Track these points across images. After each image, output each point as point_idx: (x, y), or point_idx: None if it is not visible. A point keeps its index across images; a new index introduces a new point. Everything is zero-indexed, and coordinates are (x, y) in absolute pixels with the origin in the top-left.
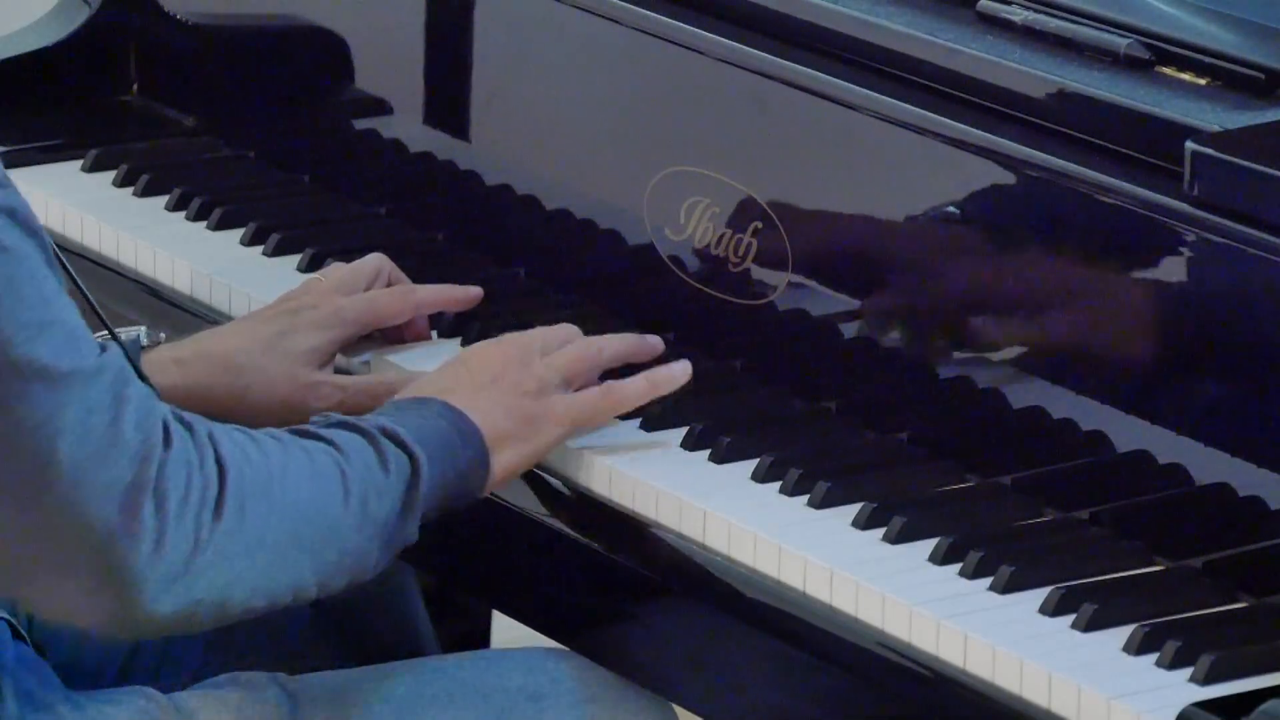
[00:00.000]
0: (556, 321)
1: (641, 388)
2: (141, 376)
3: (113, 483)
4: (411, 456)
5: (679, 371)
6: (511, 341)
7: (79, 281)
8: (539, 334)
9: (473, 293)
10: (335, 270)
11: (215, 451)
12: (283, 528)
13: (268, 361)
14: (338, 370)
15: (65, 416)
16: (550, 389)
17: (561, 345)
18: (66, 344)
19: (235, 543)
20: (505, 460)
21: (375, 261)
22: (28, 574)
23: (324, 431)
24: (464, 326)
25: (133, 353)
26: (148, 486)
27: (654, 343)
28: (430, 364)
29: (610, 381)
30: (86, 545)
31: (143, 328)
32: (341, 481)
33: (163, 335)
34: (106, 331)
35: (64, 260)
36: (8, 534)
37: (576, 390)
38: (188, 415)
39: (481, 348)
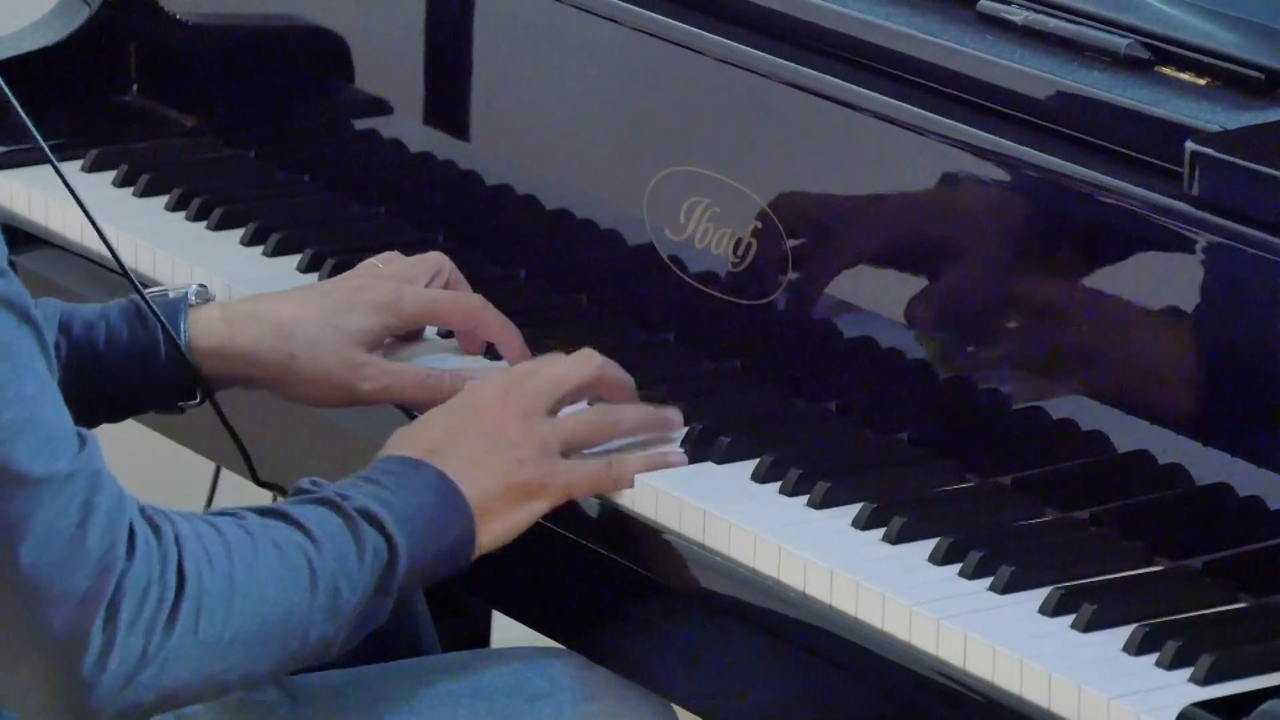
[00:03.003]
0: (557, 321)
1: (642, 466)
2: (171, 335)
3: (68, 593)
4: (390, 543)
5: (675, 460)
6: (521, 392)
7: (111, 244)
8: (552, 382)
9: (524, 354)
10: (396, 258)
11: (179, 558)
12: (242, 630)
13: (319, 334)
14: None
15: (31, 522)
16: (552, 452)
17: (577, 392)
18: (43, 447)
19: (186, 653)
20: (492, 532)
21: (437, 259)
22: None
23: (301, 515)
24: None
25: (180, 310)
26: (102, 599)
27: (673, 418)
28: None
29: (613, 456)
30: (35, 647)
31: (194, 285)
32: (310, 577)
33: (214, 294)
34: (137, 290)
35: (100, 228)
36: None
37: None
38: (157, 515)
39: (488, 393)
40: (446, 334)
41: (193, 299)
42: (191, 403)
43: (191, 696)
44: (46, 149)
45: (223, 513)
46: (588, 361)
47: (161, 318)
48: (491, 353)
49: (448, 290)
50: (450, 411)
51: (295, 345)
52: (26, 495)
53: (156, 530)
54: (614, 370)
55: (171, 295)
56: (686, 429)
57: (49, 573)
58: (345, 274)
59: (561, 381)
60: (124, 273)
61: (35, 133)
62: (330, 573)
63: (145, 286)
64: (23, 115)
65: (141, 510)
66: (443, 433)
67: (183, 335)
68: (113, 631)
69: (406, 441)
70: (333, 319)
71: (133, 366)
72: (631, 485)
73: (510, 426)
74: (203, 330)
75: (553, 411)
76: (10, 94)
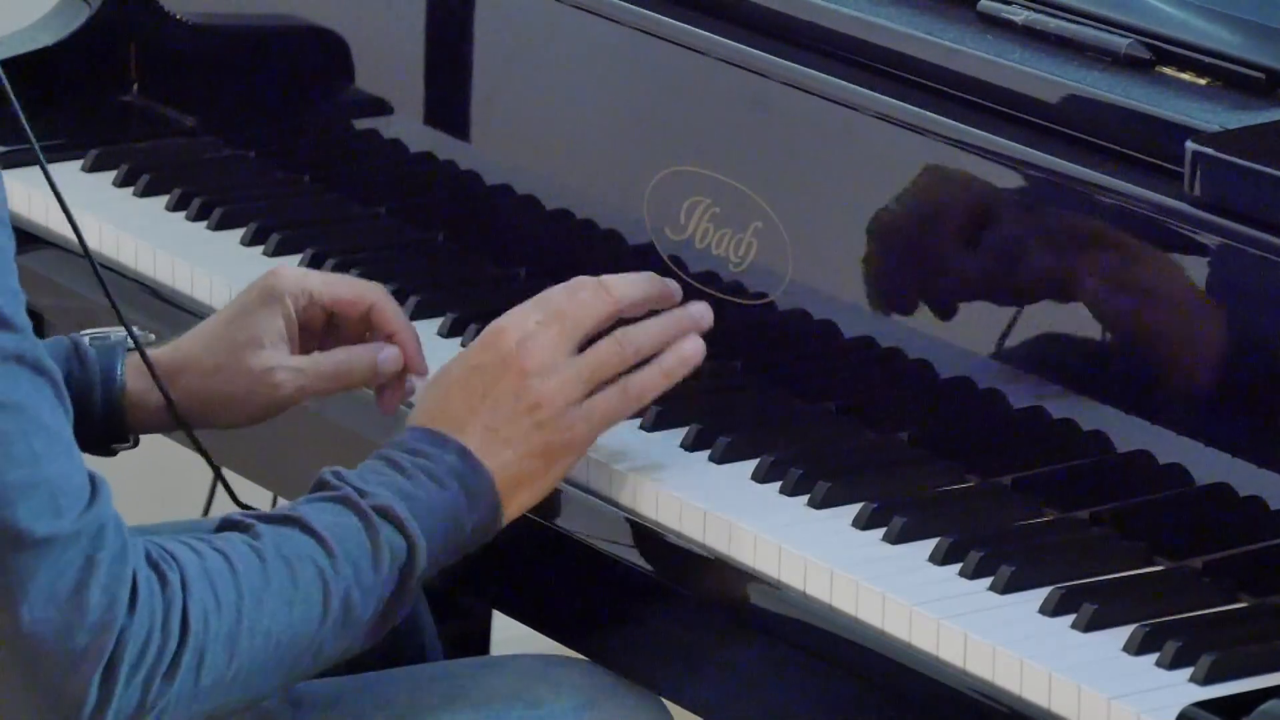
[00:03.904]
0: None
1: (658, 381)
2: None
3: (67, 651)
4: (409, 541)
5: (690, 351)
6: (538, 346)
7: (104, 283)
8: (568, 334)
9: (421, 362)
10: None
11: (183, 605)
12: (248, 664)
13: (221, 361)
14: None
15: (33, 583)
16: (574, 402)
17: (594, 327)
18: (48, 507)
19: (186, 698)
20: (518, 504)
21: (367, 286)
22: None
23: (317, 521)
24: (463, 328)
25: (118, 354)
26: (101, 656)
27: (699, 314)
28: None
29: (626, 380)
30: (34, 701)
31: (135, 329)
32: (323, 596)
33: (152, 336)
34: (122, 323)
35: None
36: None
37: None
38: (163, 561)
39: (502, 361)
40: (451, 330)
41: (130, 344)
42: (124, 445)
43: None
44: (35, 144)
45: (235, 524)
46: (602, 298)
47: (145, 353)
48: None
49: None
50: (470, 370)
51: (207, 380)
52: (28, 555)
53: (162, 578)
54: (634, 291)
55: (113, 338)
56: (686, 429)
57: (48, 633)
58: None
59: (578, 326)
60: (101, 284)
61: (27, 127)
62: (344, 589)
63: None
64: (18, 110)
65: (148, 554)
66: (463, 399)
67: (119, 378)
68: (111, 685)
69: (431, 407)
70: (228, 336)
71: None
72: (651, 396)
73: (529, 386)
74: (135, 374)
75: (574, 351)
76: (9, 89)
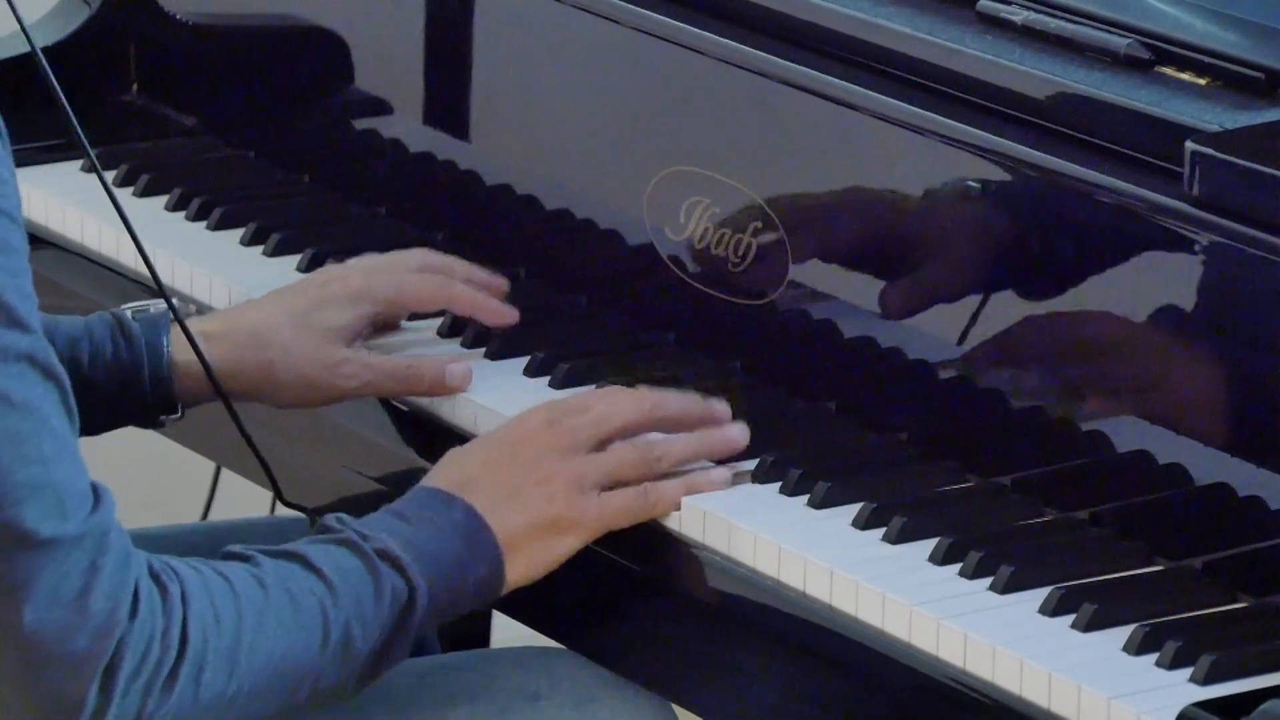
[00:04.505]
0: (557, 321)
1: (680, 494)
2: (155, 352)
3: (67, 655)
4: (410, 585)
5: (718, 477)
6: (563, 428)
7: (137, 237)
8: (597, 421)
9: (507, 314)
10: (370, 255)
11: (183, 618)
12: (245, 685)
13: (293, 336)
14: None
15: (36, 583)
16: (589, 490)
17: (623, 431)
18: (54, 509)
19: (185, 712)
20: (520, 568)
21: (419, 253)
22: None
23: (319, 559)
24: (463, 328)
25: (162, 326)
26: (101, 661)
27: (737, 437)
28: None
29: (648, 485)
30: (32, 703)
31: (175, 300)
32: (323, 627)
33: (192, 308)
34: (167, 301)
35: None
36: None
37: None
38: (165, 573)
39: (532, 425)
40: (449, 331)
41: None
42: (173, 416)
43: None
44: (93, 158)
45: (238, 555)
46: (638, 403)
47: (187, 328)
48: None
49: (420, 274)
50: (491, 442)
51: (272, 352)
52: (34, 556)
53: (163, 590)
54: (673, 405)
55: (153, 310)
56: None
57: (50, 634)
58: (316, 271)
59: (607, 421)
60: (155, 281)
61: (83, 140)
62: (344, 621)
63: (149, 298)
64: (70, 117)
65: (150, 566)
66: (479, 465)
67: (165, 351)
68: (109, 693)
69: (444, 472)
70: (305, 318)
71: (115, 382)
72: (671, 511)
73: (546, 461)
74: (183, 345)
75: (599, 447)
76: (60, 94)
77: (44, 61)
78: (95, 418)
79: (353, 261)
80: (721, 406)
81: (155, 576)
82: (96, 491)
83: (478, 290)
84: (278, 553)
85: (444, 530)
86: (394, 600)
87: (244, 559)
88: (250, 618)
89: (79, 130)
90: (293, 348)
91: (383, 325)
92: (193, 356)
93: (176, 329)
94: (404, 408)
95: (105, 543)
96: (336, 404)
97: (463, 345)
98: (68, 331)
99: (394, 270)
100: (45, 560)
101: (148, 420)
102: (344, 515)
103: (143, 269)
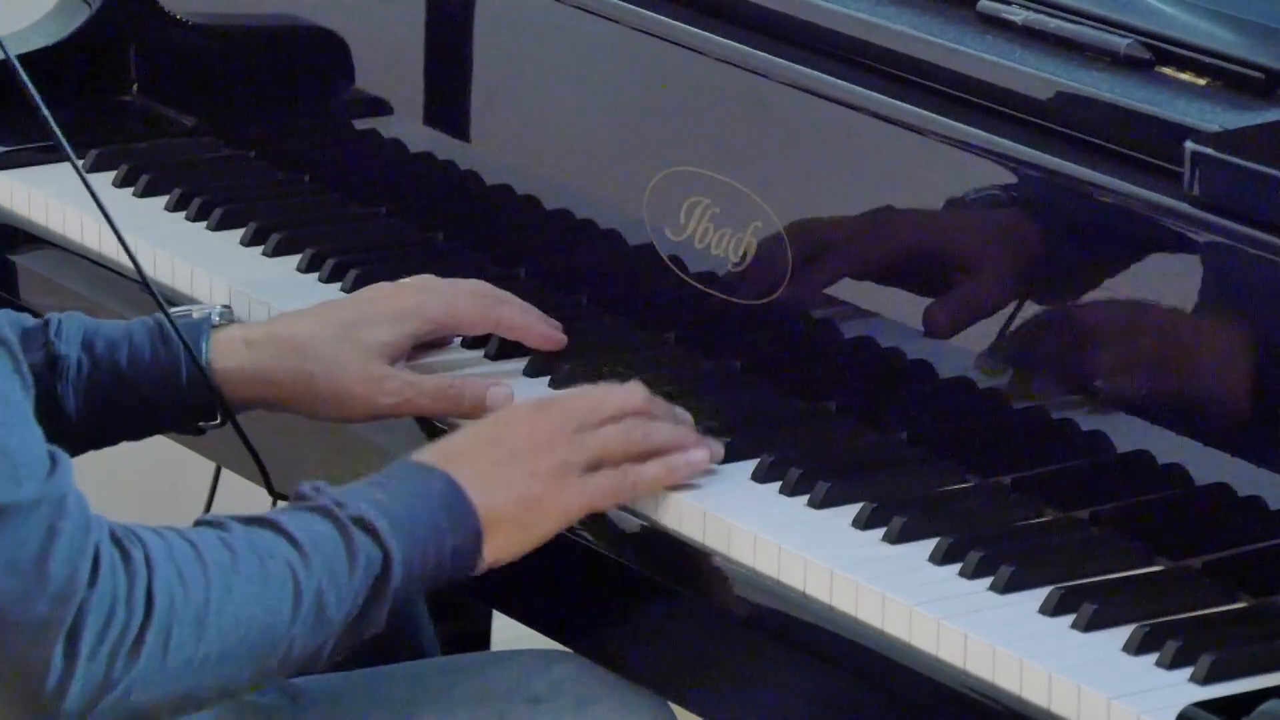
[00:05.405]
0: (558, 321)
1: (660, 477)
2: (193, 357)
3: (27, 620)
4: (385, 552)
5: (698, 459)
6: (552, 412)
7: (140, 265)
8: (586, 407)
9: (555, 336)
10: (425, 276)
11: (148, 581)
12: (215, 649)
13: (337, 350)
14: None
15: None
16: (572, 471)
17: (613, 419)
18: (7, 475)
19: (153, 676)
20: (500, 544)
21: (473, 283)
22: None
23: (290, 524)
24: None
25: (203, 331)
26: (62, 626)
27: (714, 451)
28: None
29: (628, 466)
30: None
31: (218, 306)
32: (294, 592)
33: (237, 314)
34: (163, 311)
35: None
36: None
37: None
38: (127, 539)
39: (521, 410)
40: (471, 344)
41: (216, 320)
42: (212, 423)
43: (166, 713)
44: (75, 162)
45: (208, 522)
46: (630, 394)
47: (197, 337)
48: (514, 352)
49: (468, 294)
50: (480, 425)
51: (314, 364)
52: None
53: (125, 554)
54: (660, 407)
55: (195, 315)
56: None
57: (8, 600)
58: (367, 287)
59: (597, 408)
60: (154, 296)
61: (61, 138)
62: (316, 586)
63: (171, 304)
64: (50, 121)
65: (112, 532)
66: (465, 441)
67: (204, 356)
68: (73, 658)
69: (429, 448)
70: (351, 333)
71: (154, 387)
72: (652, 493)
73: (532, 442)
74: (224, 351)
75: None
76: (40, 102)
77: (11, 57)
78: (134, 421)
79: (405, 280)
80: (714, 443)
81: (117, 541)
82: (53, 457)
83: (524, 317)
84: (249, 519)
85: (422, 499)
86: (368, 567)
87: (215, 525)
88: (217, 581)
89: (50, 118)
90: (336, 361)
91: (429, 345)
92: (232, 363)
93: (216, 335)
94: (442, 426)
95: (63, 507)
96: (375, 420)
97: (463, 345)
98: (109, 334)
99: (445, 291)
100: (1, 526)
101: (188, 426)
102: (320, 483)
103: (144, 269)
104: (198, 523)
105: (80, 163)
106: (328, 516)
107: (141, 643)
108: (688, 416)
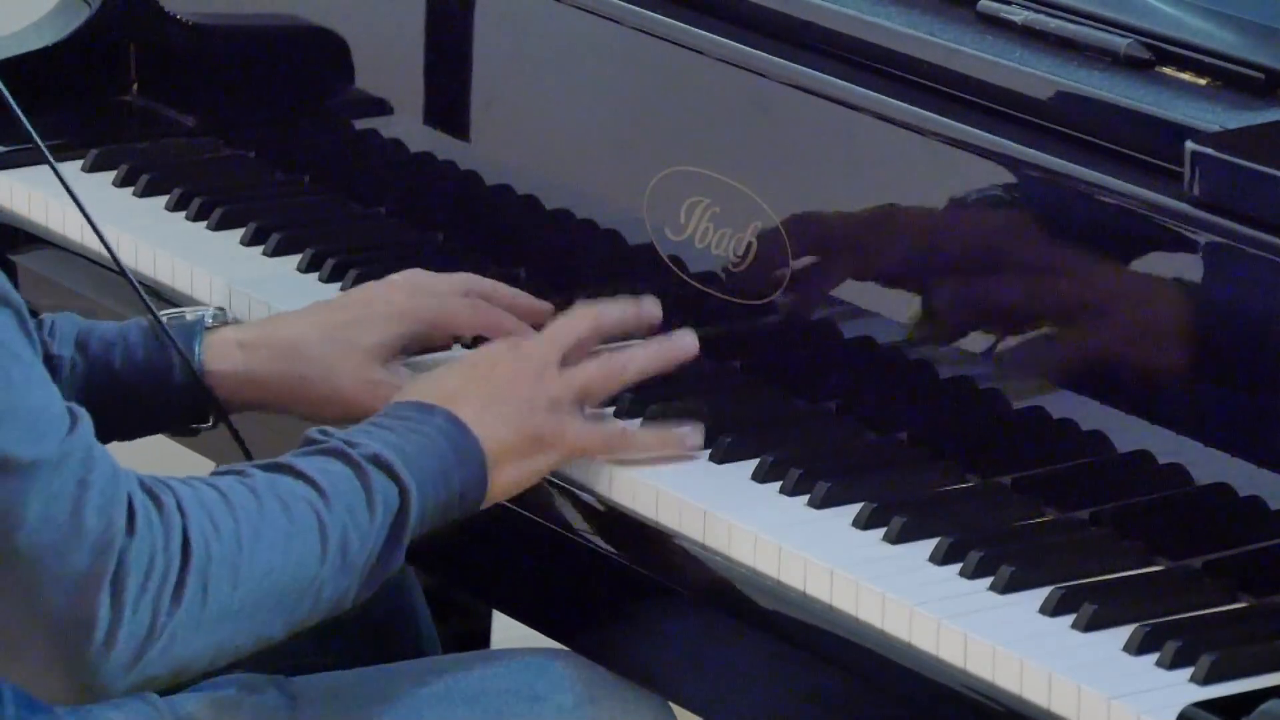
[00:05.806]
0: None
1: (655, 439)
2: (185, 359)
3: (68, 574)
4: (402, 489)
5: (687, 435)
6: (528, 355)
7: (128, 274)
8: (557, 340)
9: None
10: (415, 272)
11: (183, 528)
12: (251, 596)
13: (331, 352)
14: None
15: (26, 509)
16: (564, 406)
17: (579, 345)
18: (28, 432)
19: (195, 624)
20: (505, 478)
21: (464, 277)
22: None
23: (308, 467)
24: None
25: (196, 333)
26: (105, 576)
27: (686, 344)
28: None
29: (625, 427)
30: (40, 632)
31: (211, 308)
32: (320, 535)
33: (232, 316)
34: (152, 314)
35: (118, 259)
36: None
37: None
38: (157, 486)
39: (497, 355)
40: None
41: (209, 321)
42: (204, 426)
43: (204, 664)
44: (47, 154)
45: (227, 471)
46: (581, 319)
47: (175, 340)
48: None
49: (463, 297)
50: (461, 365)
51: (307, 367)
52: (18, 481)
53: (157, 502)
54: (611, 311)
55: (189, 317)
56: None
57: (47, 556)
58: (359, 287)
59: (561, 337)
60: (140, 297)
61: (35, 135)
62: (340, 528)
63: (158, 300)
64: (22, 119)
65: (141, 482)
66: (458, 381)
67: (197, 359)
68: (119, 608)
69: (420, 389)
70: (345, 335)
71: (147, 388)
72: (643, 452)
73: (522, 380)
74: (217, 354)
75: (561, 367)
76: (9, 97)
77: None
78: (128, 421)
79: (396, 278)
80: (650, 301)
81: (148, 490)
82: (72, 413)
83: (519, 318)
84: (268, 465)
85: (429, 436)
86: (386, 504)
87: (236, 472)
88: (246, 527)
89: (25, 120)
90: (330, 363)
91: (422, 347)
92: (225, 366)
93: (209, 337)
94: None
95: (90, 459)
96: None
97: (463, 346)
98: (102, 335)
99: (438, 292)
100: (30, 484)
101: (181, 428)
102: (328, 427)
103: (144, 269)
104: (217, 471)
105: (81, 163)
106: (341, 458)
107: (183, 589)
108: (655, 302)
